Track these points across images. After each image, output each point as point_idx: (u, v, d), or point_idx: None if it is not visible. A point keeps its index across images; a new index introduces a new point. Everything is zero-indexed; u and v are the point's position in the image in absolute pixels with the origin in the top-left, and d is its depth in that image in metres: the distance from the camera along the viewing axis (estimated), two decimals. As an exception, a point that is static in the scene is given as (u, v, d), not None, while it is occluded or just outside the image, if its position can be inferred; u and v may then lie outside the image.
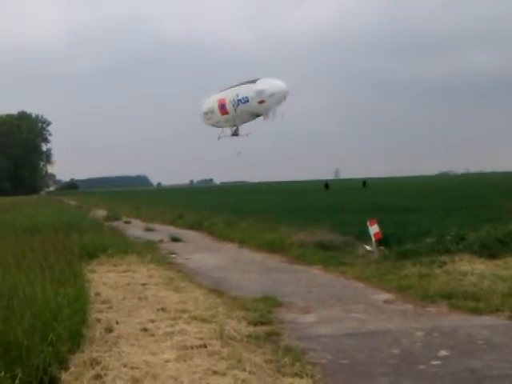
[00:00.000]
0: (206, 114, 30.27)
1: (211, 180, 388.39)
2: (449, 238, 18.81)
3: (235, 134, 29.46)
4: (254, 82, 28.21)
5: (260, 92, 27.31)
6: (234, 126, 29.25)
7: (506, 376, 8.21)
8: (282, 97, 27.50)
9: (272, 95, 27.15)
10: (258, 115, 28.31)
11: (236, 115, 28.67)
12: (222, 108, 29.03)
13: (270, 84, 27.72)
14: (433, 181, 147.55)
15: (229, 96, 28.91)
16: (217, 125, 30.45)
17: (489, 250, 17.48)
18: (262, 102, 27.33)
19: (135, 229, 36.15)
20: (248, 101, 27.80)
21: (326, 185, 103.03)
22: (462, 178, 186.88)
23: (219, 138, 30.27)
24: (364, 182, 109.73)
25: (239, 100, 28.17)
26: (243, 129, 29.55)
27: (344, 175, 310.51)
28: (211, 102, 30.31)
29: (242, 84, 28.84)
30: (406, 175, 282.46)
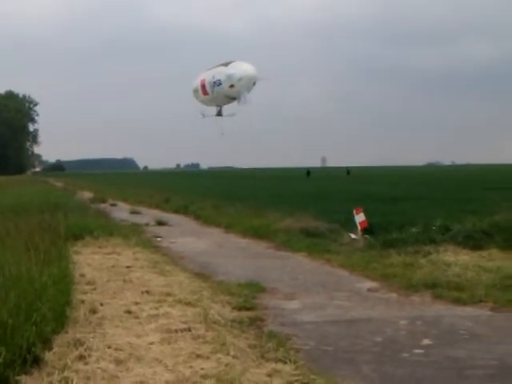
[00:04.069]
0: (194, 92, 30.09)
1: (198, 165, 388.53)
2: (434, 228, 18.90)
3: (219, 114, 29.28)
4: (227, 64, 27.95)
5: (229, 76, 27.04)
6: (218, 106, 29.06)
7: (488, 366, 8.26)
8: (250, 82, 27.10)
9: (240, 80, 26.81)
10: (232, 98, 28.06)
11: (214, 97, 28.49)
12: (203, 88, 28.85)
13: (239, 68, 27.35)
14: (419, 171, 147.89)
15: (207, 77, 28.71)
16: (203, 103, 30.30)
17: (473, 241, 17.54)
18: (231, 86, 27.09)
19: (121, 211, 36.08)
20: (221, 84, 27.59)
21: (308, 172, 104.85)
22: (449, 169, 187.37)
23: (203, 116, 30.04)
24: (348, 171, 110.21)
25: (214, 82, 27.95)
26: (228, 109, 29.26)
27: (331, 163, 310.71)
28: (197, 81, 30.14)
29: (219, 66, 28.61)
30: (394, 165, 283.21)
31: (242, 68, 27.25)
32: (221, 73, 27.66)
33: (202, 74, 29.83)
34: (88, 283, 13.08)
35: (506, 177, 77.06)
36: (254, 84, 27.15)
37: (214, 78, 28.03)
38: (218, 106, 29.12)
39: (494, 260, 15.80)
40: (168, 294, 11.93)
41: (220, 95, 28.10)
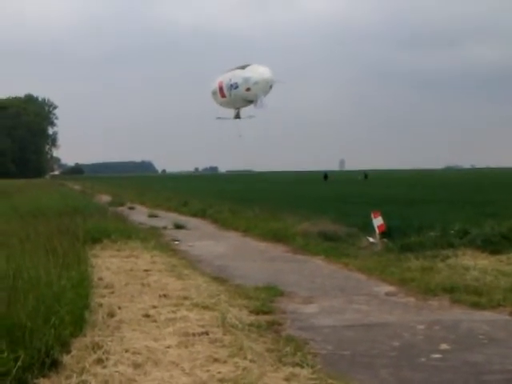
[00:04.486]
0: (213, 94, 30.11)
1: (216, 168, 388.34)
2: (452, 232, 18.84)
3: (237, 116, 29.26)
4: (243, 67, 27.91)
5: (246, 79, 26.99)
6: (236, 108, 29.05)
7: (507, 371, 8.22)
8: (266, 85, 27.00)
9: (256, 83, 26.75)
10: (249, 101, 28.01)
11: (231, 100, 28.48)
12: (221, 91, 28.84)
13: (255, 71, 27.29)
14: (438, 175, 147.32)
15: (225, 80, 28.71)
16: (221, 106, 30.32)
17: (492, 246, 17.47)
18: (248, 89, 27.04)
19: (139, 215, 36.18)
20: (238, 87, 27.55)
21: (325, 176, 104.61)
22: (468, 172, 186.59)
23: (219, 118, 30.00)
24: (365, 174, 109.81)
25: (231, 85, 27.94)
26: (246, 112, 29.20)
27: (349, 166, 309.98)
28: (215, 83, 30.15)
29: (236, 68, 28.60)
30: (412, 168, 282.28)
31: (259, 71, 27.22)
32: (237, 76, 27.66)
33: (220, 77, 29.86)
34: (106, 287, 13.14)
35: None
36: (271, 87, 27.12)
37: (231, 80, 28.04)
38: (235, 108, 29.14)
39: (512, 264, 15.72)
40: (185, 298, 11.95)
41: (237, 98, 28.10)
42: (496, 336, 9.98)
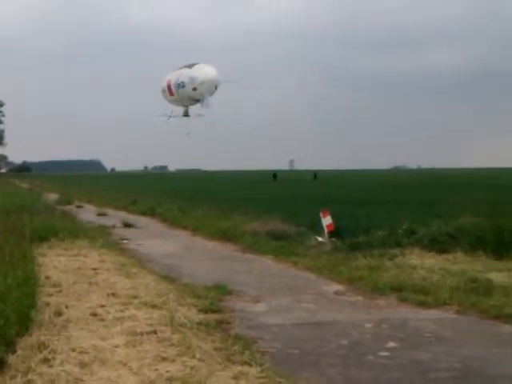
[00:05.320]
0: (162, 92, 30.05)
1: (165, 167, 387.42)
2: (400, 231, 19.03)
3: (186, 114, 29.24)
4: (191, 66, 27.89)
5: (192, 79, 27.02)
6: (185, 106, 29.04)
7: (453, 369, 8.32)
8: (212, 86, 27.03)
9: (202, 83, 26.76)
10: (196, 100, 28.01)
11: (179, 98, 28.49)
12: (169, 89, 28.85)
13: (201, 71, 27.30)
14: (386, 175, 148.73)
15: (173, 78, 28.71)
16: (171, 104, 30.27)
17: (439, 245, 17.68)
18: (194, 89, 27.04)
19: (87, 213, 35.85)
20: (185, 86, 27.57)
21: (275, 175, 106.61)
22: (415, 173, 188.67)
23: (168, 118, 29.97)
24: (315, 174, 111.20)
25: (179, 84, 27.96)
26: (196, 110, 29.17)
27: (299, 166, 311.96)
28: (164, 81, 30.09)
29: (184, 67, 28.57)
30: (361, 168, 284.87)
31: (205, 71, 27.24)
32: (185, 75, 27.69)
33: (168, 75, 29.83)
34: (53, 285, 12.99)
35: (469, 181, 77.83)
36: (217, 88, 27.16)
37: (178, 79, 28.08)
38: (184, 106, 29.15)
39: (458, 263, 15.94)
40: (134, 297, 11.87)
41: (184, 97, 28.16)
42: (442, 334, 10.09)
